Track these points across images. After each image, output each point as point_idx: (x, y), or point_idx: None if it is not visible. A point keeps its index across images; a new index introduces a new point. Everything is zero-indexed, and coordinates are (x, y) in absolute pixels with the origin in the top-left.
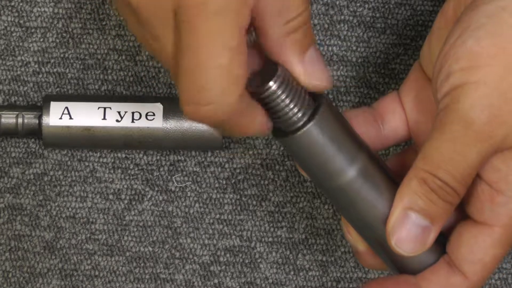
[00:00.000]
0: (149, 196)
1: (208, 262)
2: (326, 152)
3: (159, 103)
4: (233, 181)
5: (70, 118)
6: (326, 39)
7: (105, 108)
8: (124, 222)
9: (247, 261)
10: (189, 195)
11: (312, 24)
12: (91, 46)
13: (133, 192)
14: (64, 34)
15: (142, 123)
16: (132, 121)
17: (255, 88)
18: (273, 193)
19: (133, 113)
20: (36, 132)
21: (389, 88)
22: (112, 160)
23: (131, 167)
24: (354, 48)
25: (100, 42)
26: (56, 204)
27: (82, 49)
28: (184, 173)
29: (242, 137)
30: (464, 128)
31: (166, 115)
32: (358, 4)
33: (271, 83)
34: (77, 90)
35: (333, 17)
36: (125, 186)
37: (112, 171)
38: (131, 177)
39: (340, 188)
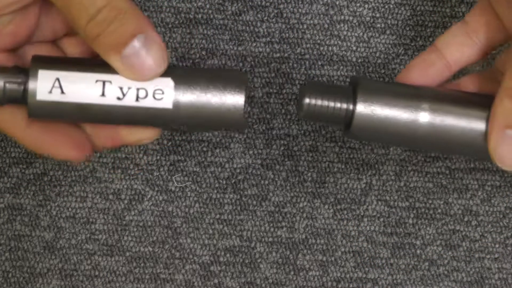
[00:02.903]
0: (149, 196)
1: (208, 262)
2: (388, 119)
3: (170, 78)
4: (233, 181)
5: (62, 92)
6: (326, 39)
7: (104, 82)
8: (124, 222)
9: (247, 261)
10: (189, 195)
11: (312, 24)
12: None
13: (133, 192)
14: None
15: (148, 103)
16: (137, 100)
17: (299, 112)
18: (273, 193)
19: (138, 89)
20: (20, 101)
21: None
22: (112, 160)
23: (131, 167)
24: (354, 48)
25: None
26: (56, 204)
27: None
28: (184, 173)
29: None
30: None
31: (178, 92)
32: (358, 4)
33: (304, 101)
34: None
35: (333, 17)
36: (125, 186)
37: (112, 171)
38: (131, 177)
39: (426, 134)
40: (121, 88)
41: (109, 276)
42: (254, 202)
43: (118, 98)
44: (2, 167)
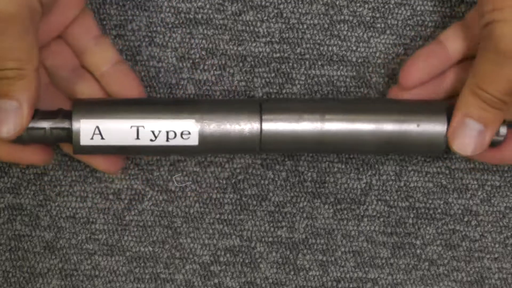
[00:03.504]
0: (149, 196)
1: (208, 262)
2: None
3: (194, 120)
4: (233, 181)
5: (102, 138)
6: (326, 39)
7: (138, 127)
8: (124, 222)
9: (247, 261)
10: (189, 195)
11: (312, 24)
12: None
13: (133, 192)
14: None
15: (177, 142)
16: (167, 140)
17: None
18: (273, 193)
19: (167, 132)
20: (65, 141)
21: (389, 88)
22: None
23: (131, 167)
24: (354, 48)
25: None
26: (56, 204)
27: None
28: (184, 173)
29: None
30: (497, 54)
31: (202, 130)
32: (358, 4)
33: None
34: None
35: (333, 17)
36: (125, 186)
37: None
38: (131, 177)
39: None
40: (153, 132)
41: (109, 276)
42: (254, 202)
43: (151, 140)
44: (2, 167)
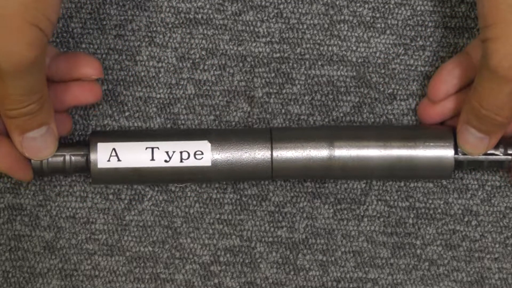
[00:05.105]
0: (149, 196)
1: (208, 262)
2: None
3: (207, 140)
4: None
5: (118, 160)
6: (326, 39)
7: (152, 149)
8: (124, 222)
9: (247, 261)
10: (189, 195)
11: (312, 24)
12: (91, 46)
13: (133, 192)
14: (64, 34)
15: (191, 163)
16: (181, 161)
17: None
18: (273, 193)
19: (181, 152)
20: (84, 170)
21: (389, 88)
22: None
23: None
24: (354, 48)
25: (100, 42)
26: (56, 204)
27: (82, 49)
28: None
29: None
30: (489, 72)
31: (214, 152)
32: (358, 4)
33: None
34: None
35: (333, 17)
36: (125, 186)
37: None
38: None
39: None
40: (167, 152)
41: (109, 276)
42: (254, 202)
43: (166, 161)
44: None
